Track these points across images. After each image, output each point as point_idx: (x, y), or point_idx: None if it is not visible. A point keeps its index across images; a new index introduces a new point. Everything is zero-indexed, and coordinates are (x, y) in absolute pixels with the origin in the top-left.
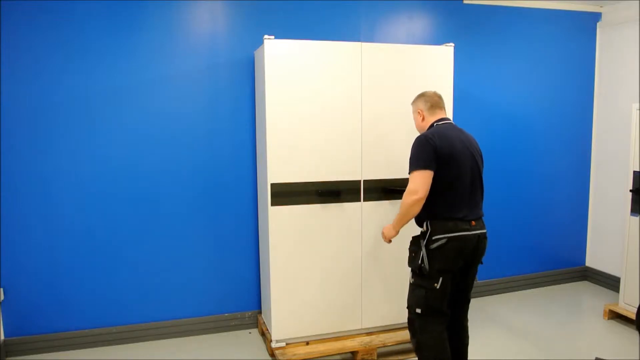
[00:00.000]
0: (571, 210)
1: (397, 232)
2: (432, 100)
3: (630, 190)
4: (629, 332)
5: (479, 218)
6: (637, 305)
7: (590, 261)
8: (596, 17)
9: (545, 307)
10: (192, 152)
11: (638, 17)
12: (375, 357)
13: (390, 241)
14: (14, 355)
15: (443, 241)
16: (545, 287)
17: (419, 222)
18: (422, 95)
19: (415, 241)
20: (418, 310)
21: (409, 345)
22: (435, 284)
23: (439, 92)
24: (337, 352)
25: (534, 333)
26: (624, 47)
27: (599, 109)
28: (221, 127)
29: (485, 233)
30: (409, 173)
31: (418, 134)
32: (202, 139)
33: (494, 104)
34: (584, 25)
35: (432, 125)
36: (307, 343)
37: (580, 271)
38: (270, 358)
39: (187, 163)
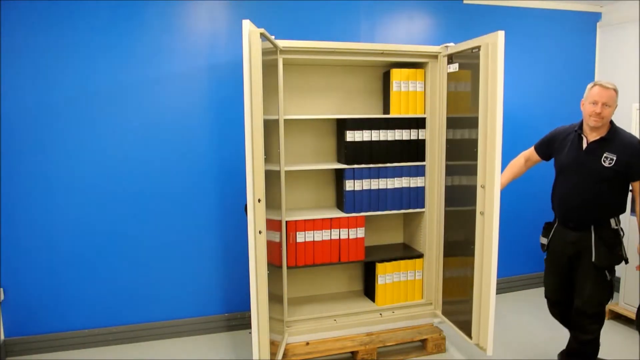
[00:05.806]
0: None
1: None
2: None
3: (630, 190)
4: (629, 332)
5: None
6: (637, 305)
7: None
8: (596, 17)
9: (545, 307)
10: (193, 151)
11: (638, 17)
12: (375, 357)
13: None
14: (14, 355)
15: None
16: None
17: (608, 217)
18: None
19: (614, 234)
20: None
21: (409, 345)
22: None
23: None
24: (337, 352)
25: (534, 333)
26: (624, 47)
27: None
28: (222, 127)
29: None
30: None
31: None
32: (203, 138)
33: None
34: (584, 25)
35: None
36: (307, 343)
37: None
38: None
39: (188, 162)
